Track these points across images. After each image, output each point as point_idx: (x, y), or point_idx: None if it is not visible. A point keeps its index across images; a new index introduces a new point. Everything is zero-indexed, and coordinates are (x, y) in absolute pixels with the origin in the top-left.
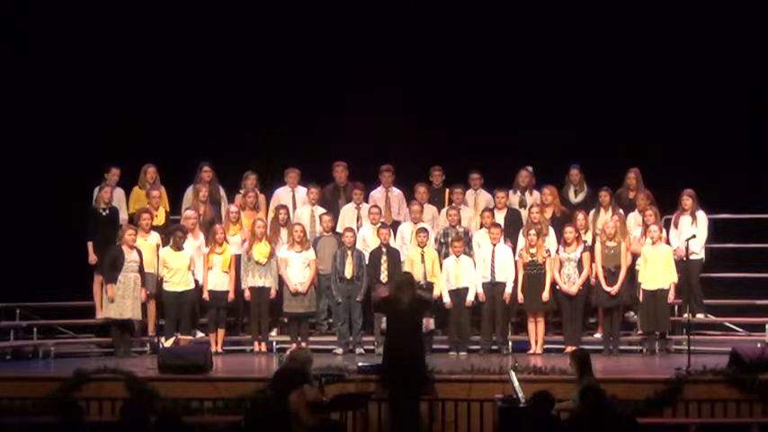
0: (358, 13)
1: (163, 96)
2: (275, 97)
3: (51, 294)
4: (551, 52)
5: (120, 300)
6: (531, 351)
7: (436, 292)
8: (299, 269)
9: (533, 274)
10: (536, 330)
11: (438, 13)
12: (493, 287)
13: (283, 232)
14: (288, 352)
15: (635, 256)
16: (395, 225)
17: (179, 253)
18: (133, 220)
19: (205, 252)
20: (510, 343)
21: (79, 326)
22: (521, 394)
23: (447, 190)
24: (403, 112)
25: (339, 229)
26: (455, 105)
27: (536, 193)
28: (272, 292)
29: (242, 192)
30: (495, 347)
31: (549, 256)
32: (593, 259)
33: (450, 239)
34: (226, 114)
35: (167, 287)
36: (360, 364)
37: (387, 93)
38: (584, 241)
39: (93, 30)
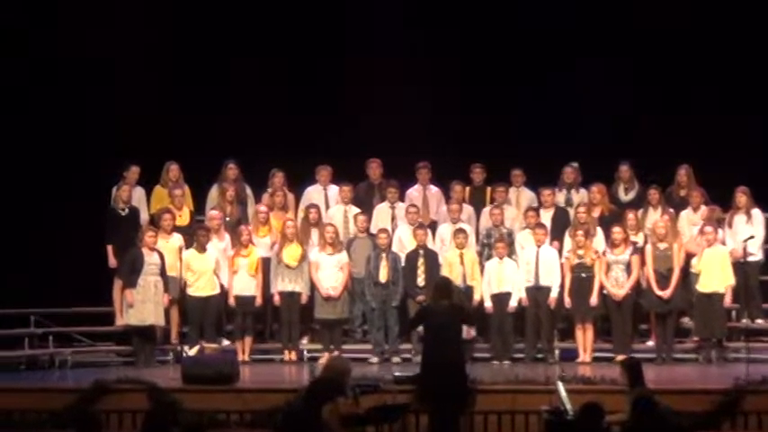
0: (386, 10)
1: (185, 92)
2: (304, 92)
3: (68, 300)
4: (604, 50)
5: (140, 305)
6: (580, 359)
7: (476, 297)
8: (331, 273)
9: (581, 277)
10: (584, 337)
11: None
12: (537, 291)
13: (314, 233)
14: (323, 361)
15: (688, 258)
16: (432, 225)
17: (203, 255)
18: (154, 221)
19: (230, 255)
20: (556, 351)
21: (98, 333)
22: (568, 406)
23: (489, 188)
24: (441, 107)
25: (373, 230)
26: (496, 98)
27: (582, 190)
28: (303, 298)
29: (269, 191)
30: (540, 356)
31: (599, 257)
32: (643, 262)
33: (493, 240)
34: (251, 109)
35: (191, 292)
36: (396, 373)
37: (424, 87)
38: (634, 242)
39: (113, 26)
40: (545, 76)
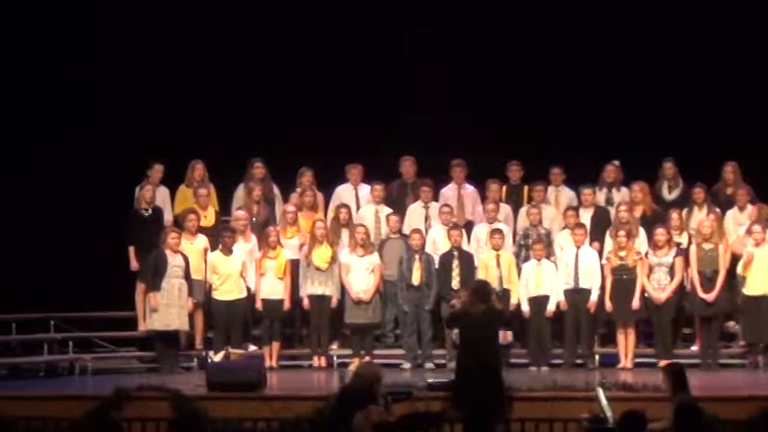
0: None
1: (211, 89)
2: (335, 87)
3: (89, 304)
4: (645, 46)
5: (164, 309)
6: (621, 365)
7: (513, 300)
8: (362, 275)
9: (622, 279)
10: (626, 342)
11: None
12: (577, 294)
13: (344, 234)
14: (353, 367)
15: (735, 259)
16: (468, 226)
17: (229, 257)
18: (178, 222)
19: (257, 257)
20: (596, 356)
21: (120, 339)
22: (609, 414)
23: (526, 187)
24: (477, 103)
25: (406, 231)
26: (533, 95)
27: (624, 189)
28: (333, 301)
29: (298, 190)
30: (579, 361)
31: (641, 259)
32: (687, 263)
33: (530, 241)
34: (279, 106)
35: (216, 295)
36: (430, 380)
37: (459, 82)
38: (678, 243)
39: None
40: (584, 71)
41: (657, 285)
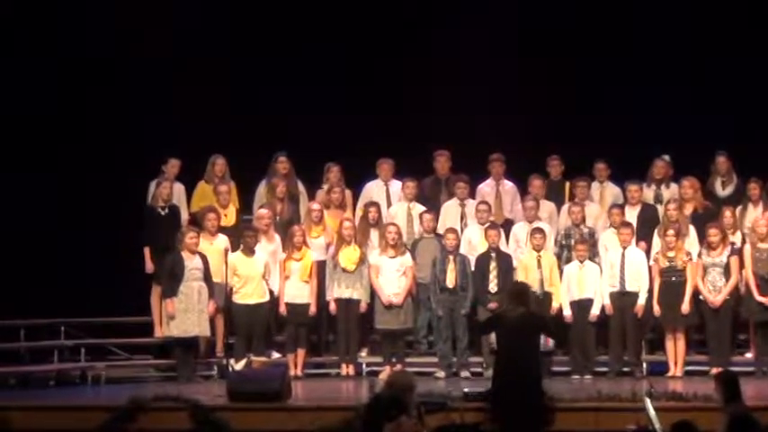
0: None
1: (234, 85)
2: (362, 76)
3: (101, 309)
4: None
5: (182, 314)
6: (670, 374)
7: (555, 304)
8: (393, 277)
9: (671, 281)
10: (675, 349)
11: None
12: (623, 298)
13: (374, 234)
14: (384, 376)
15: None
16: (506, 225)
17: (251, 259)
18: (196, 221)
19: (281, 258)
20: (644, 364)
21: (135, 345)
22: (657, 425)
23: (567, 183)
24: (515, 92)
25: (440, 230)
26: (575, 83)
27: (673, 185)
28: (362, 306)
29: (324, 187)
30: (626, 369)
31: (691, 260)
32: (742, 264)
33: (573, 241)
34: (304, 96)
35: (237, 299)
36: (465, 389)
37: (495, 70)
38: (732, 243)
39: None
40: (634, 58)
41: (712, 288)
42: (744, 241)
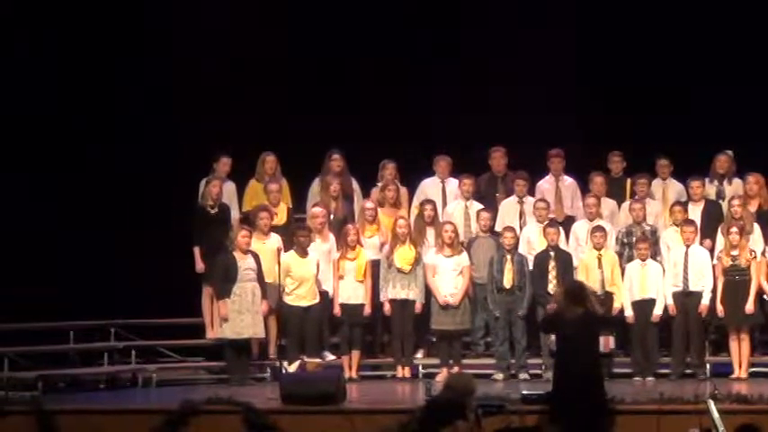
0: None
1: (291, 84)
2: (419, 75)
3: (152, 310)
4: None
5: (236, 316)
6: (734, 375)
7: (617, 305)
8: (449, 277)
9: (735, 281)
10: (740, 350)
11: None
12: (686, 297)
13: (430, 233)
14: (441, 378)
15: None
16: (566, 223)
17: (305, 259)
18: (248, 220)
19: (335, 258)
20: (708, 366)
21: (186, 347)
22: (721, 428)
23: (629, 180)
24: (575, 88)
25: (498, 229)
26: (637, 78)
27: (737, 181)
28: (418, 306)
29: (379, 185)
30: (689, 371)
31: (755, 258)
32: None
33: (634, 240)
34: (359, 93)
35: (290, 300)
36: (524, 392)
37: (554, 63)
38: None
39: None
40: (695, 55)
41: None
42: None
